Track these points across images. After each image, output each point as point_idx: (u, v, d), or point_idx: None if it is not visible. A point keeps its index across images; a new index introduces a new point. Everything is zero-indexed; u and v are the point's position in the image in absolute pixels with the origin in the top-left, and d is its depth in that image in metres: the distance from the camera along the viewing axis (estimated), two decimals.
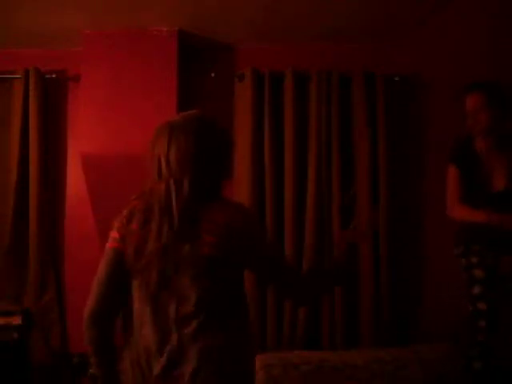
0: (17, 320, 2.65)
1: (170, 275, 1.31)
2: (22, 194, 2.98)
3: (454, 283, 2.93)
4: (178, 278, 1.30)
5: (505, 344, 2.21)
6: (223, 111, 3.17)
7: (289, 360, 2.59)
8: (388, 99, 3.05)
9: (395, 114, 3.07)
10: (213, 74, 3.12)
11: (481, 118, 2.22)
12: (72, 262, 2.98)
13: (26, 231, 2.97)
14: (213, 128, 1.41)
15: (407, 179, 3.08)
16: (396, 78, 3.08)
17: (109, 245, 1.39)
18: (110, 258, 1.37)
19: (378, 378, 2.43)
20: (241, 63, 3.17)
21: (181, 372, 1.27)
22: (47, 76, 3.07)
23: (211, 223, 1.30)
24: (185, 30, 2.94)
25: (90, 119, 2.92)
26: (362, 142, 3.01)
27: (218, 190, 1.41)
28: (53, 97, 3.13)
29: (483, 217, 2.20)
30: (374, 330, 2.92)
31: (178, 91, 2.92)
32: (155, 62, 2.93)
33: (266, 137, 3.02)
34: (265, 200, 3.02)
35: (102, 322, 1.37)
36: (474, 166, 2.28)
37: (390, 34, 3.04)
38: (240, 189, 3.06)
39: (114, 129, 2.90)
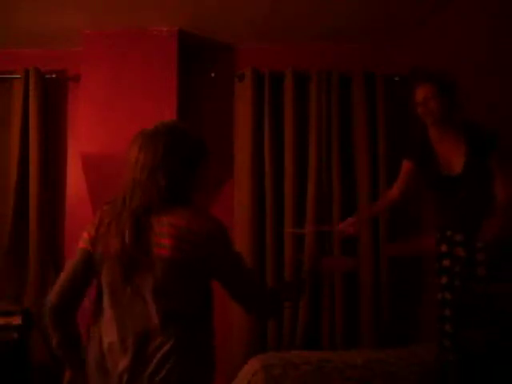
0: (17, 320, 2.65)
1: (133, 277, 1.35)
2: (22, 194, 2.98)
3: None
4: (140, 279, 1.35)
5: (475, 334, 2.21)
6: (223, 111, 3.17)
7: (289, 360, 2.59)
8: (388, 99, 3.05)
9: (395, 114, 3.07)
10: (213, 74, 3.13)
11: (432, 106, 2.22)
12: None
13: (26, 231, 2.98)
14: (184, 138, 1.45)
15: None
16: (396, 78, 3.08)
17: (78, 245, 1.46)
18: (76, 258, 1.45)
19: (378, 379, 2.42)
20: (241, 63, 3.17)
21: (143, 371, 1.32)
22: (47, 76, 3.07)
23: (172, 227, 1.34)
24: (185, 30, 2.93)
25: (90, 119, 2.92)
26: (361, 142, 3.01)
27: (188, 198, 1.44)
28: (53, 97, 3.13)
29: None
30: (374, 330, 2.93)
31: (177, 91, 2.92)
32: (155, 62, 2.93)
33: (266, 137, 3.02)
34: (265, 200, 3.02)
35: (62, 316, 1.44)
36: (428, 155, 2.30)
37: (389, 33, 3.04)
38: (240, 189, 3.06)
39: (113, 129, 2.90)
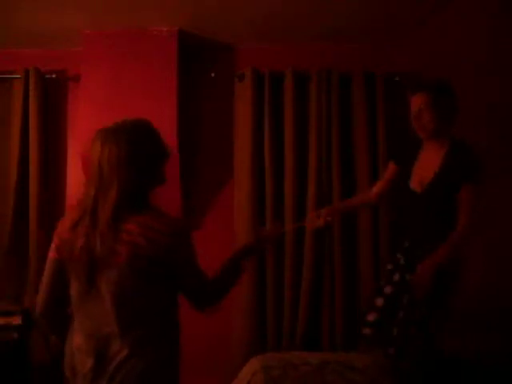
0: (17, 320, 2.66)
1: (95, 281, 1.37)
2: (22, 194, 2.98)
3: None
4: (101, 284, 1.37)
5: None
6: (223, 111, 3.17)
7: (288, 361, 2.59)
8: (388, 99, 3.05)
9: (395, 114, 3.07)
10: (213, 74, 3.12)
11: (425, 119, 2.11)
12: None
13: (26, 231, 2.97)
14: (147, 134, 1.46)
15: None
16: (396, 78, 3.07)
17: (49, 254, 1.51)
18: (48, 268, 1.50)
19: (377, 379, 2.42)
20: (241, 63, 3.17)
21: (104, 373, 1.36)
22: (47, 76, 3.07)
23: (130, 234, 1.35)
24: (185, 30, 2.93)
25: (90, 119, 2.91)
26: (361, 141, 3.01)
27: (146, 198, 1.45)
28: (53, 97, 3.12)
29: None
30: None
31: (177, 91, 2.92)
32: (155, 62, 2.92)
33: (266, 137, 3.02)
34: (265, 200, 3.02)
35: (54, 319, 1.51)
36: (411, 166, 2.23)
37: (390, 33, 3.04)
38: (240, 189, 3.06)
39: None
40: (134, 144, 1.40)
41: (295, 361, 2.59)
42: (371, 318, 2.26)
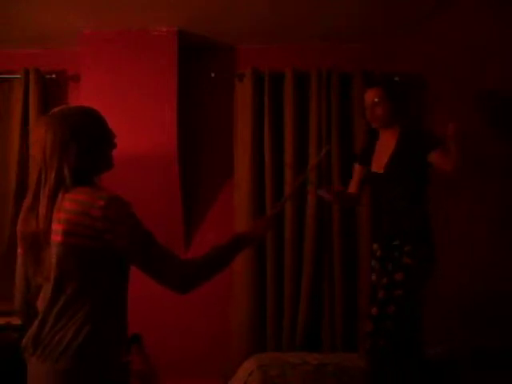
0: (17, 320, 2.65)
1: (40, 262, 1.40)
2: (22, 194, 2.98)
3: (453, 282, 2.94)
4: (45, 264, 1.39)
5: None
6: (223, 111, 3.17)
7: (286, 360, 2.60)
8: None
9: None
10: (213, 74, 3.12)
11: (378, 111, 2.37)
12: None
13: None
14: (89, 120, 1.46)
15: None
16: (396, 78, 3.07)
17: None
18: (18, 264, 1.59)
19: None
20: (241, 63, 3.17)
21: (37, 351, 1.37)
22: (47, 76, 3.07)
23: (67, 212, 1.34)
24: (185, 30, 2.93)
25: None
26: (362, 141, 3.01)
27: (91, 181, 1.45)
28: (53, 97, 3.12)
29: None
30: None
31: (177, 91, 2.92)
32: (155, 62, 2.92)
33: (266, 136, 3.02)
34: (265, 200, 3.02)
35: (26, 315, 1.56)
36: (368, 154, 2.51)
37: (389, 34, 3.03)
38: (240, 188, 3.06)
39: (113, 129, 2.89)
40: (76, 127, 1.41)
41: (292, 360, 2.60)
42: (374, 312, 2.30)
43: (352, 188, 2.59)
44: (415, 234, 2.28)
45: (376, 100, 2.37)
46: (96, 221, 1.33)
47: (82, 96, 2.95)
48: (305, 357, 2.68)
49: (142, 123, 2.89)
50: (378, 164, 2.40)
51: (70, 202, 1.35)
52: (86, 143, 1.41)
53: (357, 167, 2.59)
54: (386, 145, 2.41)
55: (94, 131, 1.45)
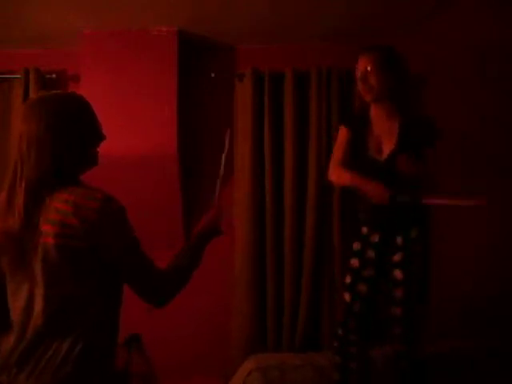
0: None
1: (19, 264, 1.28)
2: None
3: (453, 281, 2.94)
4: (30, 267, 1.27)
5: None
6: (223, 111, 3.17)
7: (284, 361, 2.59)
8: None
9: None
10: (213, 74, 3.12)
11: (371, 80, 2.09)
12: None
13: None
14: (73, 110, 1.34)
15: None
16: None
17: None
18: None
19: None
20: (241, 63, 3.17)
21: (26, 368, 1.25)
22: (47, 76, 3.06)
23: (57, 213, 1.25)
24: (185, 30, 2.93)
25: None
26: None
27: (73, 175, 1.35)
28: None
29: (360, 182, 2.12)
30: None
31: (177, 91, 2.92)
32: (155, 62, 2.92)
33: (266, 136, 3.02)
34: (265, 200, 3.02)
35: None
36: (364, 132, 2.19)
37: (389, 34, 3.03)
38: (240, 188, 3.06)
39: (113, 129, 2.88)
40: (55, 116, 1.29)
41: (291, 361, 2.59)
42: (357, 306, 2.21)
43: (344, 158, 2.26)
44: (420, 216, 2.15)
45: (369, 68, 2.09)
46: (88, 223, 1.25)
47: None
48: (304, 358, 2.68)
49: (141, 123, 2.89)
50: (379, 148, 2.16)
51: (61, 203, 1.26)
52: (67, 134, 1.30)
53: (344, 130, 2.26)
54: (386, 126, 2.16)
55: (77, 120, 1.33)
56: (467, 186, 2.99)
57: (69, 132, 1.30)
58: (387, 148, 2.15)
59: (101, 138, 1.44)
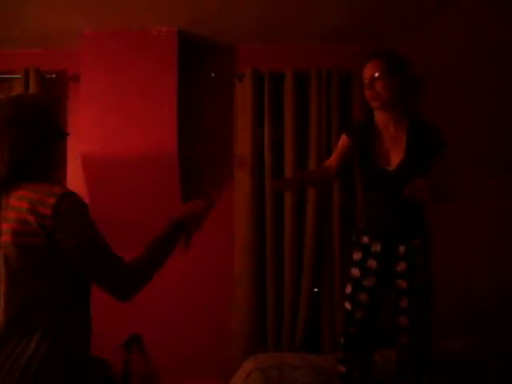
0: None
1: None
2: None
3: (453, 281, 2.94)
4: None
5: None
6: (223, 111, 3.17)
7: (284, 362, 2.59)
8: None
9: None
10: (213, 74, 3.12)
11: (379, 87, 2.05)
12: None
13: None
14: (29, 108, 1.34)
15: None
16: None
17: None
18: None
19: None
20: (241, 63, 3.17)
21: None
22: (47, 76, 3.06)
23: (15, 210, 1.26)
24: (185, 30, 2.93)
25: (90, 119, 2.91)
26: None
27: (39, 173, 1.34)
28: (53, 97, 3.12)
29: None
30: None
31: (177, 91, 2.92)
32: (155, 62, 2.92)
33: (266, 136, 3.02)
34: (265, 200, 3.02)
35: None
36: (370, 142, 2.16)
37: (389, 34, 3.03)
38: (240, 189, 3.06)
39: (113, 129, 2.90)
40: (10, 121, 1.31)
41: (291, 362, 2.59)
42: (359, 315, 2.19)
43: (332, 160, 2.27)
44: (424, 228, 2.14)
45: (376, 75, 2.05)
46: (45, 219, 1.23)
47: (82, 96, 2.95)
48: (304, 358, 2.67)
49: (142, 123, 2.89)
50: (386, 158, 2.12)
51: (17, 200, 1.26)
52: (22, 136, 1.30)
53: (345, 139, 2.24)
54: (393, 136, 2.13)
55: (31, 123, 1.33)
56: (467, 186, 3.00)
57: (24, 134, 1.31)
58: (395, 157, 2.12)
59: (62, 137, 1.42)
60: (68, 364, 1.29)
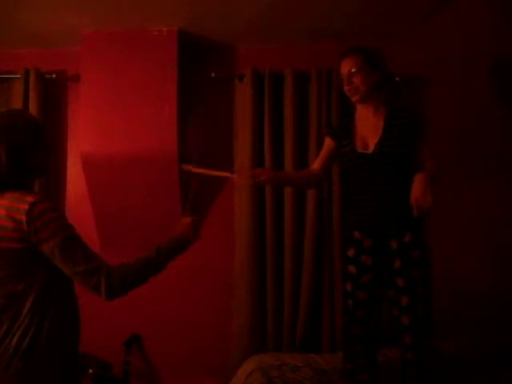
0: None
1: None
2: None
3: (453, 281, 2.94)
4: None
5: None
6: (223, 111, 3.17)
7: (285, 361, 2.59)
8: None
9: None
10: (213, 74, 3.12)
11: (357, 81, 2.14)
12: None
13: None
14: (8, 123, 1.46)
15: None
16: (396, 79, 3.07)
17: None
18: None
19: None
20: (241, 63, 3.17)
21: None
22: (47, 76, 3.07)
23: None
24: (185, 30, 2.93)
25: (90, 119, 2.91)
26: None
27: (18, 184, 1.45)
28: (53, 97, 3.12)
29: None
30: None
31: (177, 91, 2.92)
32: (155, 62, 2.92)
33: (266, 137, 3.02)
34: (265, 200, 3.02)
35: None
36: (347, 132, 2.23)
37: (390, 33, 3.03)
38: (240, 188, 3.06)
39: (113, 129, 2.90)
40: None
41: (292, 362, 2.59)
42: (360, 313, 2.18)
43: (316, 163, 2.33)
44: (413, 220, 2.05)
45: (353, 70, 2.14)
46: (21, 224, 1.36)
47: (82, 96, 2.95)
48: (305, 358, 2.68)
49: (142, 123, 2.89)
50: (364, 144, 2.16)
51: None
52: (3, 151, 1.42)
53: (328, 141, 2.32)
54: (371, 123, 2.17)
55: (14, 137, 1.45)
56: (467, 186, 3.00)
57: (4, 148, 1.43)
58: (373, 141, 2.15)
59: (46, 152, 1.55)
60: (51, 360, 1.38)
